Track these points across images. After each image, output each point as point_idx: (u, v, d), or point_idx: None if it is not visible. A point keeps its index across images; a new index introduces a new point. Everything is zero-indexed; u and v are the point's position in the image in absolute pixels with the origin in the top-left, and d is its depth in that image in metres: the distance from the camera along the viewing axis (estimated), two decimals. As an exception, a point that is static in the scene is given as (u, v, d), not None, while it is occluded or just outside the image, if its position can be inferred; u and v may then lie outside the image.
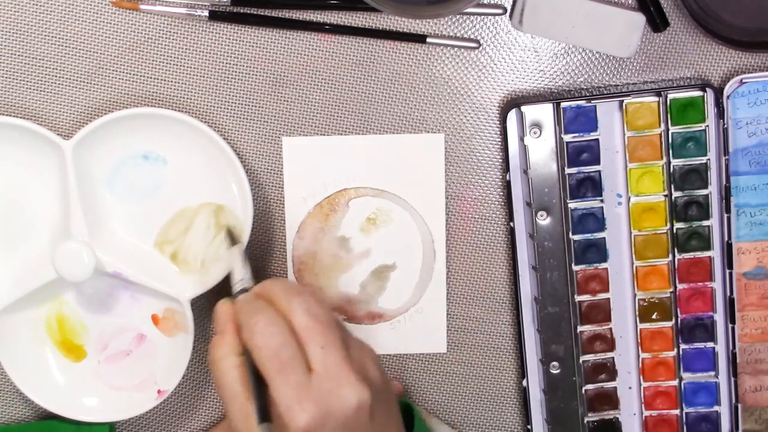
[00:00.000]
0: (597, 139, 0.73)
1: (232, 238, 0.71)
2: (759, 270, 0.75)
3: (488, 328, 0.77)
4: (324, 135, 0.74)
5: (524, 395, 0.77)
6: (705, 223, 0.74)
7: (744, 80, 0.73)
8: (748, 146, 0.74)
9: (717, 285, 0.75)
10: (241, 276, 0.67)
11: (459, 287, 0.76)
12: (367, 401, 0.60)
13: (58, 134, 0.72)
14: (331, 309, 0.65)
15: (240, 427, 0.61)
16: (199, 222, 0.73)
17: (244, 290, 0.66)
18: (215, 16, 0.72)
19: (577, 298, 0.75)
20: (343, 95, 0.74)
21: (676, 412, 0.76)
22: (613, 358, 0.76)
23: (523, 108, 0.73)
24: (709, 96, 0.73)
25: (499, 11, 0.73)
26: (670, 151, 0.73)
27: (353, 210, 0.75)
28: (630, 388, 0.77)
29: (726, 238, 0.74)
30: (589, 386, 0.76)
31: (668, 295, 0.75)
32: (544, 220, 0.74)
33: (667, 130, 0.73)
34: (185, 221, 0.74)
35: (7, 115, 0.73)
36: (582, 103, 0.73)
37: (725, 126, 0.73)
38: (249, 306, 0.63)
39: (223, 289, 0.76)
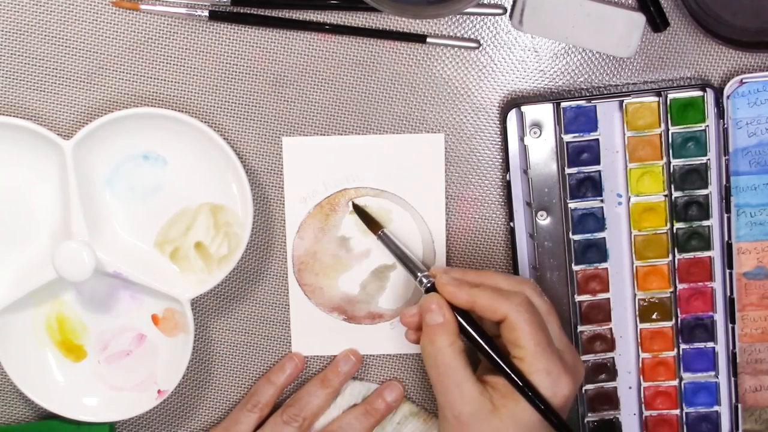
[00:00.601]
0: (597, 139, 0.73)
1: (371, 222, 0.74)
2: (759, 270, 0.75)
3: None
4: (324, 135, 0.74)
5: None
6: (705, 223, 0.74)
7: (744, 80, 0.73)
8: (748, 146, 0.74)
9: (717, 285, 0.75)
10: (418, 269, 0.70)
11: (459, 287, 0.76)
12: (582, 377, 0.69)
13: (58, 134, 0.72)
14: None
15: (471, 411, 0.64)
16: (199, 222, 0.73)
17: (431, 282, 0.69)
18: (215, 16, 0.72)
19: (577, 298, 0.75)
20: (343, 95, 0.74)
21: (676, 412, 0.76)
22: (613, 358, 0.76)
23: (523, 108, 0.73)
24: (709, 96, 0.73)
25: (499, 11, 0.73)
26: (670, 151, 0.73)
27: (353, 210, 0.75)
28: (630, 388, 0.77)
29: (726, 238, 0.74)
30: (589, 386, 0.76)
31: (668, 295, 0.75)
32: (544, 220, 0.74)
33: (667, 130, 0.73)
34: (185, 221, 0.74)
35: (7, 115, 0.73)
36: (582, 103, 0.73)
37: (725, 126, 0.73)
38: (491, 292, 0.66)
39: (224, 289, 0.76)
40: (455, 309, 0.67)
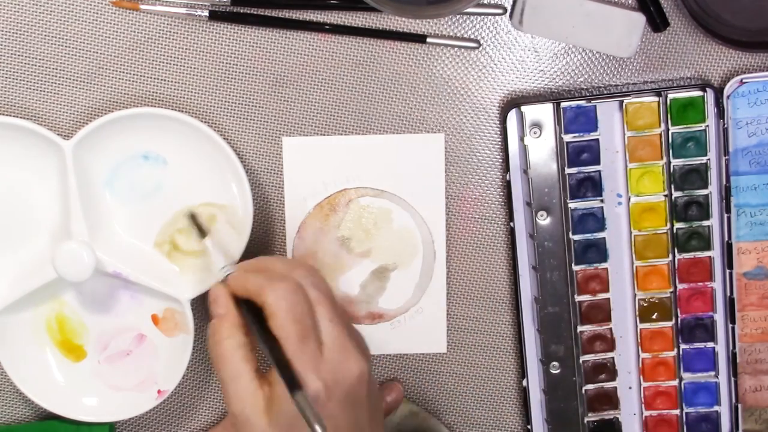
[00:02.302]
0: (597, 139, 0.73)
1: (200, 228, 0.72)
2: (759, 270, 0.75)
3: (488, 328, 0.77)
4: (324, 135, 0.74)
5: (524, 395, 0.77)
6: (705, 223, 0.74)
7: (744, 80, 0.73)
8: (748, 146, 0.74)
9: (717, 285, 0.75)
10: (223, 262, 0.68)
11: (459, 287, 0.76)
12: (366, 372, 0.63)
13: (58, 134, 0.72)
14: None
15: (243, 408, 0.61)
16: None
17: (226, 273, 0.66)
18: (215, 16, 0.72)
19: (577, 298, 0.75)
20: (343, 95, 0.74)
21: (676, 412, 0.76)
22: (613, 358, 0.76)
23: (523, 108, 0.73)
24: (709, 96, 0.73)
25: (499, 11, 0.73)
26: (670, 151, 0.73)
27: (353, 210, 0.75)
28: (630, 388, 0.77)
29: (726, 238, 0.74)
30: (589, 386, 0.76)
31: (668, 295, 0.75)
32: (544, 220, 0.74)
33: (667, 130, 0.73)
34: (185, 221, 0.73)
35: (7, 115, 0.73)
36: (582, 103, 0.73)
37: (725, 126, 0.73)
38: (261, 277, 0.63)
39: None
40: (247, 302, 0.64)
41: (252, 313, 0.63)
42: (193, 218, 0.72)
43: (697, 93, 0.72)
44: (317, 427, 0.58)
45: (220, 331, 0.63)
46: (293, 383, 0.60)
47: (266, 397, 0.62)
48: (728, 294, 0.75)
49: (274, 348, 0.61)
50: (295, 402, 0.59)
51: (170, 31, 0.73)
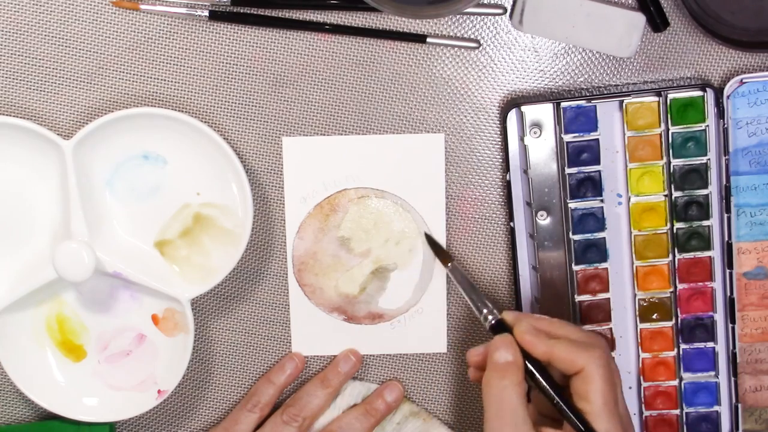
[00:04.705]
0: (597, 139, 0.73)
1: (441, 252, 0.74)
2: (759, 270, 0.75)
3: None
4: (324, 135, 0.74)
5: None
6: (705, 223, 0.74)
7: (744, 80, 0.73)
8: (749, 146, 0.74)
9: (717, 285, 0.75)
10: (484, 305, 0.69)
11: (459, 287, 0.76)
12: None
13: (58, 134, 0.72)
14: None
15: None
16: (199, 222, 0.73)
17: (499, 320, 0.68)
18: (215, 16, 0.72)
19: (577, 298, 0.75)
20: (343, 95, 0.74)
21: (676, 412, 0.76)
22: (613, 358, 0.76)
23: (523, 108, 0.73)
24: (709, 96, 0.73)
25: (499, 11, 0.73)
26: (670, 151, 0.73)
27: (353, 210, 0.75)
28: (630, 388, 0.77)
29: (726, 238, 0.74)
30: (589, 386, 0.76)
31: (668, 295, 0.75)
32: (544, 220, 0.74)
33: (667, 130, 0.73)
34: (185, 221, 0.74)
35: (7, 115, 0.73)
36: (582, 103, 0.73)
37: (725, 126, 0.73)
38: (574, 343, 0.65)
39: (224, 289, 0.76)
40: (525, 356, 0.66)
41: (539, 369, 0.66)
42: (432, 243, 0.75)
43: (697, 93, 0.72)
44: None
45: (510, 377, 0.65)
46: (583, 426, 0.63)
47: None
48: (728, 294, 0.75)
49: (570, 406, 0.64)
50: None
51: (170, 31, 0.73)
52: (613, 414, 0.63)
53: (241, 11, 0.72)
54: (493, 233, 0.76)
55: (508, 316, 0.68)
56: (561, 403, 0.64)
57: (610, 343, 0.75)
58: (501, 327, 0.67)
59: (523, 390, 0.65)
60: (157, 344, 0.75)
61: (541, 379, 0.65)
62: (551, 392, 0.65)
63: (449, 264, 0.72)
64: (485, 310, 0.69)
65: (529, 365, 0.65)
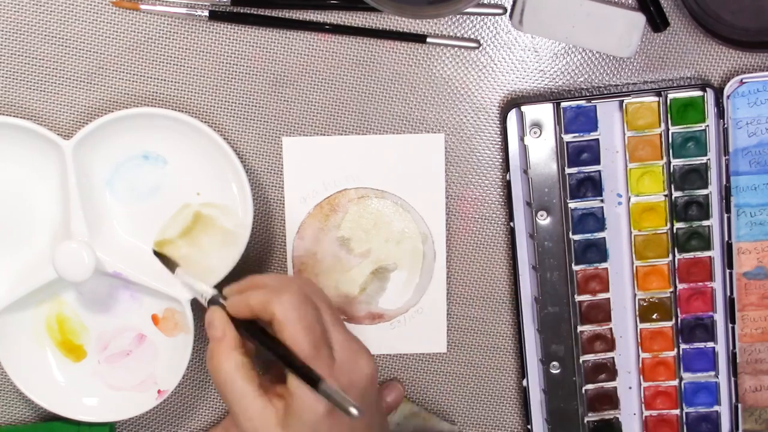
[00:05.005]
0: (597, 139, 0.73)
1: (168, 262, 0.72)
2: (759, 270, 0.75)
3: (488, 328, 0.77)
4: (324, 135, 0.74)
5: (524, 395, 0.77)
6: (705, 223, 0.74)
7: (744, 80, 0.73)
8: (749, 146, 0.74)
9: (717, 285, 0.75)
10: (201, 288, 0.68)
11: (459, 287, 0.76)
12: (376, 371, 0.65)
13: (58, 134, 0.72)
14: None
15: (255, 428, 0.62)
16: (199, 222, 0.73)
17: (216, 297, 0.66)
18: (215, 16, 0.72)
19: (577, 298, 0.75)
20: (343, 95, 0.74)
21: (676, 412, 0.76)
22: (613, 358, 0.76)
23: (523, 108, 0.73)
24: (709, 96, 0.73)
25: (499, 11, 0.73)
26: (670, 151, 0.73)
27: (353, 210, 0.75)
28: (630, 388, 0.77)
29: (726, 238, 0.74)
30: (589, 386, 0.76)
31: (668, 295, 0.75)
32: (544, 220, 0.74)
33: (667, 130, 0.73)
34: (185, 221, 0.74)
35: (7, 115, 0.73)
36: (582, 103, 0.73)
37: (725, 126, 0.73)
38: (262, 292, 0.63)
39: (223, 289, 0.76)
40: (242, 321, 0.64)
41: (254, 329, 0.64)
42: (159, 255, 0.73)
43: (697, 93, 0.72)
44: (353, 410, 0.57)
45: (218, 354, 0.64)
46: (315, 378, 0.60)
47: (278, 412, 0.62)
48: (728, 294, 0.75)
49: (286, 356, 0.61)
50: (324, 393, 0.59)
51: (170, 31, 0.73)
52: (316, 354, 0.61)
53: (241, 11, 0.72)
54: (493, 233, 0.76)
55: (227, 290, 0.66)
56: (279, 358, 0.61)
57: (610, 343, 0.75)
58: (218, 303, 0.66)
59: (235, 363, 0.63)
60: (157, 344, 0.75)
61: (248, 335, 0.63)
62: (272, 352, 0.62)
63: (176, 271, 0.71)
64: (202, 293, 0.67)
65: (235, 326, 0.63)
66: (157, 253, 0.73)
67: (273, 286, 0.64)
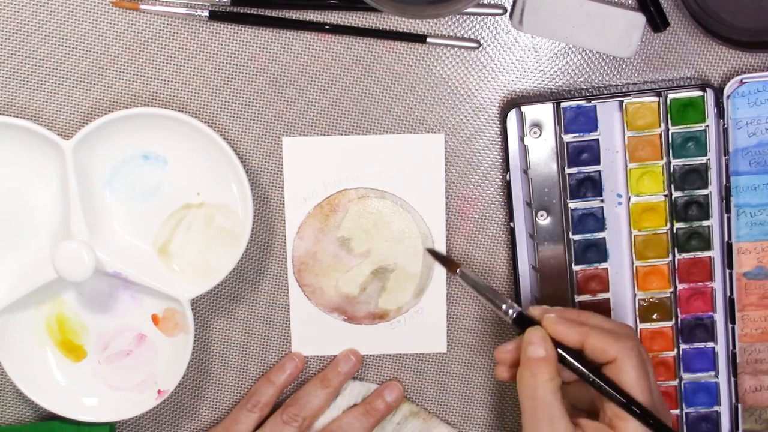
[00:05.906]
0: (597, 139, 0.73)
1: (448, 263, 0.73)
2: (759, 270, 0.75)
3: (488, 328, 0.77)
4: (324, 135, 0.74)
5: (524, 395, 0.77)
6: (705, 223, 0.74)
7: (744, 80, 0.73)
8: (748, 146, 0.74)
9: (717, 285, 0.75)
10: (502, 301, 0.68)
11: (459, 287, 0.76)
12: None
13: (58, 134, 0.72)
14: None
15: None
16: (199, 222, 0.73)
17: (520, 313, 0.67)
18: (215, 16, 0.72)
19: (577, 298, 0.75)
20: (343, 95, 0.74)
21: (676, 412, 0.76)
22: (613, 358, 0.76)
23: (523, 108, 0.73)
24: (709, 96, 0.73)
25: (499, 11, 0.73)
26: (670, 151, 0.73)
27: (353, 210, 0.75)
28: (630, 388, 0.77)
29: (726, 238, 0.74)
30: (589, 386, 0.76)
31: (668, 295, 0.75)
32: (544, 220, 0.74)
33: (667, 130, 0.73)
34: (185, 221, 0.74)
35: (7, 115, 0.73)
36: (582, 103, 0.73)
37: (725, 126, 0.73)
38: (604, 333, 0.65)
39: (224, 289, 0.76)
40: (559, 345, 0.66)
41: (584, 362, 0.65)
42: (436, 255, 0.75)
43: (697, 93, 0.72)
44: None
45: (541, 373, 0.64)
46: (660, 425, 0.63)
47: None
48: (728, 294, 0.75)
49: (620, 396, 0.63)
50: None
51: (170, 31, 0.73)
52: (648, 402, 0.63)
53: (241, 11, 0.72)
54: (493, 233, 0.76)
55: (535, 311, 0.67)
56: (599, 381, 0.64)
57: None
58: (523, 320, 0.67)
59: (557, 384, 0.64)
60: (157, 344, 0.75)
61: (578, 364, 0.65)
62: (588, 373, 0.64)
63: (458, 271, 0.71)
64: (504, 306, 0.68)
65: (563, 353, 0.65)
66: (434, 253, 0.74)
67: (611, 329, 0.65)
